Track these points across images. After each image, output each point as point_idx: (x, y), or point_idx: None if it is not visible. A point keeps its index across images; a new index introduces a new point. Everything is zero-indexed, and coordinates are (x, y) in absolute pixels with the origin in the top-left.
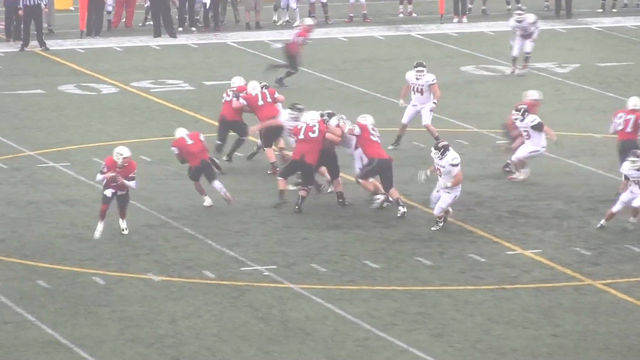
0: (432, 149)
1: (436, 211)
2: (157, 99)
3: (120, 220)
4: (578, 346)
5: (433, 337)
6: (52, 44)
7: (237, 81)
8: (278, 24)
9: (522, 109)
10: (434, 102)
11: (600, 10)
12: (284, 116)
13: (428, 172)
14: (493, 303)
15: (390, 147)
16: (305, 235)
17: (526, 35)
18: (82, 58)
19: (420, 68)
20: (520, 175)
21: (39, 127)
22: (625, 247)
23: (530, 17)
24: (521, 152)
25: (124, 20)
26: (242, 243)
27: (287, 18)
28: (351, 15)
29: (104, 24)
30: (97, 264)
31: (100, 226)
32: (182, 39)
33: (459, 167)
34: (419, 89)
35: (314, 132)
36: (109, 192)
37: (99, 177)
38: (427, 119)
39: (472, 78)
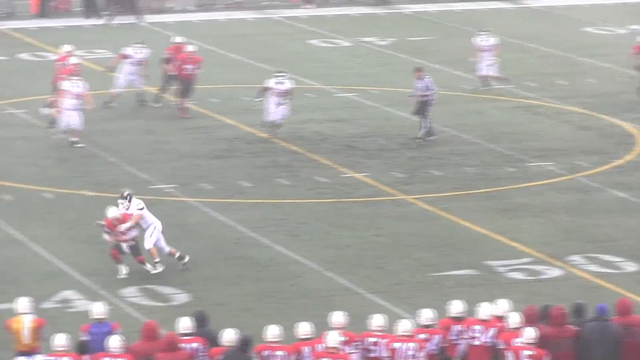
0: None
1: (150, 245)
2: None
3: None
4: (394, 243)
5: (290, 236)
6: (12, 24)
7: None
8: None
9: None
10: None
11: None
12: None
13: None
14: (333, 212)
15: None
16: (197, 162)
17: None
18: (34, 33)
19: None
20: None
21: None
22: (429, 172)
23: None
24: None
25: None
26: (151, 168)
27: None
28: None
29: (50, 8)
30: (47, 183)
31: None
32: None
33: (144, 209)
34: None
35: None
36: (126, 249)
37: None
38: None
39: (316, 49)
